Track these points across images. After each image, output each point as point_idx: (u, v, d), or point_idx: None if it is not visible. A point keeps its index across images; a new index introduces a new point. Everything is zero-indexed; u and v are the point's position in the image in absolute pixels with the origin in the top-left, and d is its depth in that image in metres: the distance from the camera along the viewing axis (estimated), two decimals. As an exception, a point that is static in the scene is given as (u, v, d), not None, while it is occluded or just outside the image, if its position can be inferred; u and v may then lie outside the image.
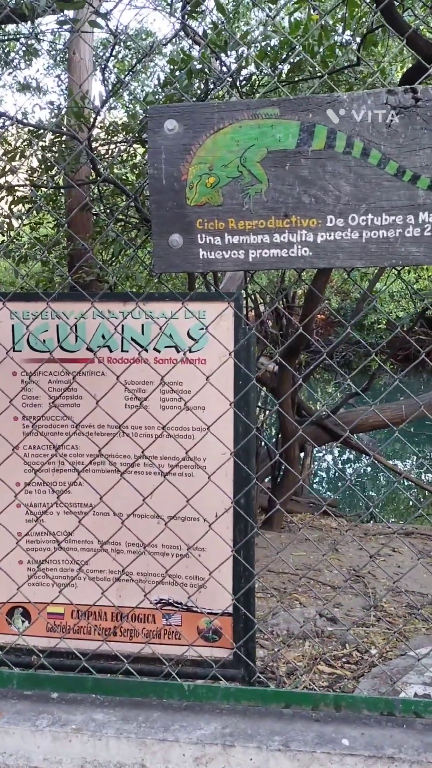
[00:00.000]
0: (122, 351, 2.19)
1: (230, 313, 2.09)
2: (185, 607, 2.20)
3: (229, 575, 2.12)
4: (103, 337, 2.19)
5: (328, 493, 9.10)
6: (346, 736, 1.31)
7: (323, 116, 1.23)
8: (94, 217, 6.13)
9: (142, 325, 2.17)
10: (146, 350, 2.16)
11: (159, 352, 2.17)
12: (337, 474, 10.33)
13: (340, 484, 9.68)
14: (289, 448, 5.47)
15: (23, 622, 2.25)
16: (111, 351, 2.19)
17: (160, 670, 2.17)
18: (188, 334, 2.15)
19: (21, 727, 1.36)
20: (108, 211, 5.60)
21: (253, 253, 1.26)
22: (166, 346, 2.17)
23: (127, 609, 2.20)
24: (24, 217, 5.38)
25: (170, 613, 2.21)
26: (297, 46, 4.07)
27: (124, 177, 5.47)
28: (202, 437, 2.06)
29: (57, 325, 2.19)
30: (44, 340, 2.20)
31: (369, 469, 10.10)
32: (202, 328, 2.14)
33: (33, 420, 2.21)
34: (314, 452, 7.35)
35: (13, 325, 2.18)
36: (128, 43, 7.43)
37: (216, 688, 1.40)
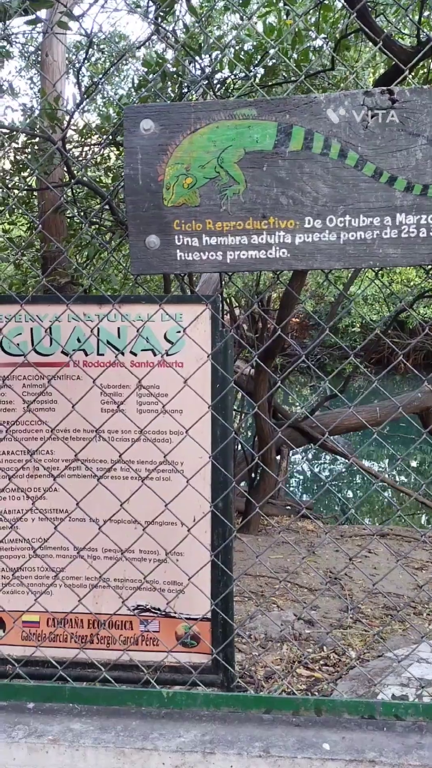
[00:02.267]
0: (98, 354, 2.16)
1: (207, 316, 2.08)
2: (163, 613, 2.17)
3: (207, 580, 2.11)
4: (78, 340, 2.16)
5: (305, 496, 9.13)
6: (327, 740, 1.30)
7: (300, 117, 1.22)
8: (68, 220, 6.08)
9: (118, 328, 2.15)
10: (123, 354, 2.14)
11: (135, 355, 2.14)
12: (312, 477, 10.37)
13: (316, 486, 9.72)
14: (266, 451, 5.47)
15: (-3, 631, 2.21)
16: (87, 354, 2.16)
17: (139, 677, 2.15)
18: (165, 336, 2.13)
19: (-4, 739, 1.33)
20: (82, 213, 5.56)
21: (230, 255, 1.25)
22: (142, 350, 2.14)
23: (105, 616, 2.17)
24: (-3, 220, 5.32)
25: (148, 620, 2.18)
26: (272, 50, 4.09)
27: (98, 179, 5.44)
28: (180, 441, 2.05)
29: (31, 328, 2.16)
30: (18, 344, 2.16)
31: (344, 470, 10.15)
32: (179, 331, 2.12)
33: (6, 425, 2.17)
34: (290, 455, 7.37)
35: (-13, 329, 2.14)
36: (101, 46, 7.40)
37: (195, 694, 1.38)
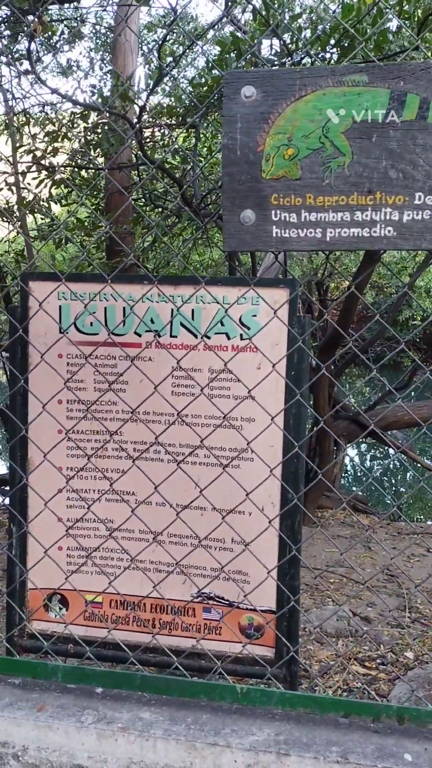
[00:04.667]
0: (171, 336, 2.12)
1: (285, 301, 2.00)
2: (227, 602, 2.13)
3: (274, 571, 2.05)
4: (152, 321, 2.11)
5: (357, 490, 8.97)
6: (408, 750, 1.23)
7: (416, 84, 1.13)
8: (133, 202, 6.06)
9: (192, 310, 2.09)
10: (201, 336, 2.08)
11: (209, 338, 2.09)
12: (367, 470, 10.19)
13: (365, 479, 9.54)
14: (324, 442, 5.37)
15: (60, 609, 2.20)
16: (159, 336, 2.12)
17: (199, 665, 2.11)
18: (240, 320, 2.06)
19: (65, 723, 1.31)
20: (148, 195, 5.53)
21: (331, 232, 1.17)
22: (216, 333, 2.09)
23: (168, 601, 2.13)
24: (63, 200, 5.33)
25: (210, 608, 2.14)
26: (350, 28, 3.95)
27: (165, 161, 5.39)
28: (266, 426, 1.96)
29: (105, 308, 2.13)
30: (91, 323, 2.13)
31: (400, 466, 9.94)
32: (255, 315, 2.05)
33: (79, 404, 2.15)
34: (346, 448, 7.24)
35: (60, 306, 2.12)
36: (172, 27, 7.33)
37: (271, 692, 1.33)
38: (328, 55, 4.77)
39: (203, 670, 2.14)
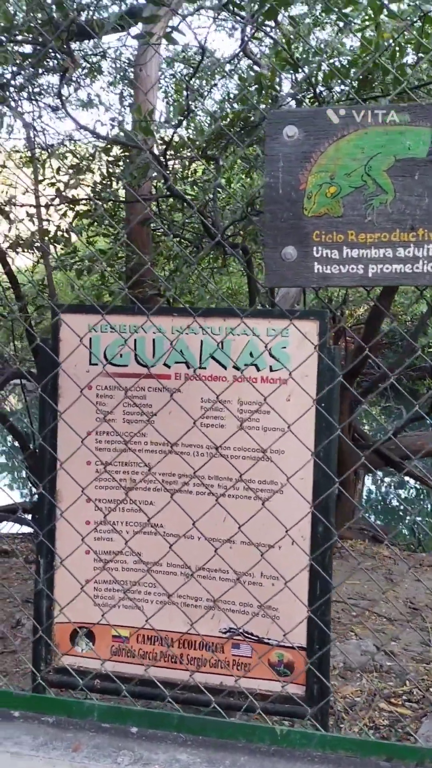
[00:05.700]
0: (200, 368, 2.12)
1: (315, 332, 2.01)
2: (255, 638, 2.10)
3: (303, 607, 2.02)
4: (181, 352, 2.12)
5: (377, 519, 8.87)
6: (453, 797, 1.20)
7: (458, 123, 1.14)
8: (152, 232, 6.14)
9: (221, 342, 2.10)
10: (226, 368, 2.09)
11: (238, 370, 2.09)
12: (386, 500, 10.08)
13: (383, 508, 9.43)
14: (344, 472, 5.31)
15: (87, 643, 2.18)
16: (188, 367, 2.12)
17: (227, 702, 2.07)
18: (270, 352, 2.07)
19: (101, 764, 1.28)
20: (167, 226, 5.59)
21: (373, 268, 1.18)
22: (246, 364, 2.09)
23: (196, 636, 2.10)
24: (84, 231, 5.40)
25: (239, 643, 2.11)
26: (370, 62, 4.01)
27: (185, 192, 5.46)
28: (297, 458, 1.95)
29: (135, 340, 2.14)
30: (121, 355, 2.14)
31: (422, 496, 9.82)
32: (285, 347, 2.06)
33: (108, 435, 2.15)
34: (365, 477, 7.18)
35: (90, 339, 2.13)
36: (191, 61, 7.48)
37: (311, 734, 1.30)
38: (346, 88, 4.84)
39: (231, 708, 2.10)
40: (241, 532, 1.89)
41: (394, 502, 10.03)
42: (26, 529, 6.59)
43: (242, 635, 2.09)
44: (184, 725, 1.31)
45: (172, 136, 3.73)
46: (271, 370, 2.07)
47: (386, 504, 10.16)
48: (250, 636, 2.09)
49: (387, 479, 10.99)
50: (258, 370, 2.07)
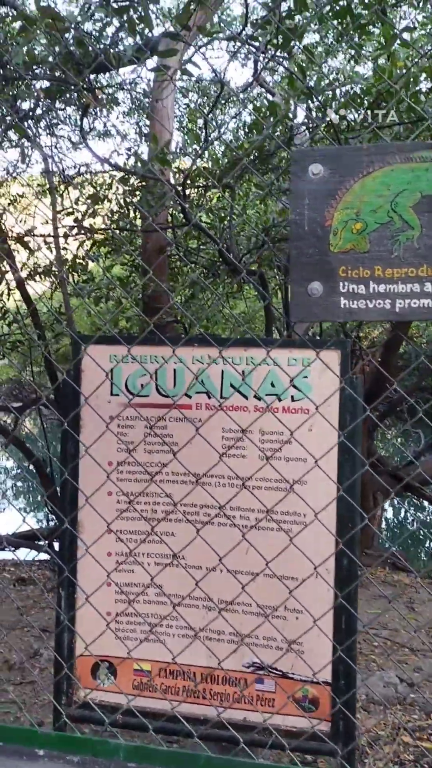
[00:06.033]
0: (221, 397, 2.12)
1: (336, 362, 2.00)
2: (279, 673, 2.06)
3: (327, 641, 1.98)
4: (202, 382, 2.12)
5: (390, 546, 8.75)
6: None
7: None
8: (169, 259, 6.20)
9: (242, 371, 2.10)
10: (247, 398, 2.08)
11: (259, 399, 2.09)
12: (403, 526, 9.96)
13: (400, 533, 9.31)
14: (363, 498, 5.27)
15: (108, 677, 2.16)
16: (209, 397, 2.12)
17: (250, 738, 2.04)
18: (291, 382, 2.06)
19: (127, 806, 1.26)
20: (183, 254, 5.65)
21: (400, 303, 1.18)
22: (267, 394, 2.08)
23: (219, 671, 2.07)
24: (102, 259, 5.46)
25: (263, 678, 2.07)
26: (383, 91, 4.05)
27: (200, 220, 5.52)
28: (320, 489, 1.94)
29: (156, 369, 2.14)
30: (142, 385, 2.15)
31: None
32: (306, 377, 2.05)
33: (128, 466, 2.14)
34: (384, 502, 7.10)
35: (112, 369, 2.14)
36: (206, 90, 7.60)
37: (342, 777, 1.27)
38: (360, 116, 4.89)
39: (254, 744, 2.06)
40: (268, 567, 1.87)
41: (410, 527, 9.90)
42: (43, 555, 6.57)
43: (266, 670, 2.06)
44: (211, 766, 1.28)
45: (191, 167, 3.77)
46: (293, 400, 2.06)
47: (404, 528, 10.03)
48: (274, 671, 2.06)
49: (406, 504, 10.86)
50: (279, 400, 2.07)
